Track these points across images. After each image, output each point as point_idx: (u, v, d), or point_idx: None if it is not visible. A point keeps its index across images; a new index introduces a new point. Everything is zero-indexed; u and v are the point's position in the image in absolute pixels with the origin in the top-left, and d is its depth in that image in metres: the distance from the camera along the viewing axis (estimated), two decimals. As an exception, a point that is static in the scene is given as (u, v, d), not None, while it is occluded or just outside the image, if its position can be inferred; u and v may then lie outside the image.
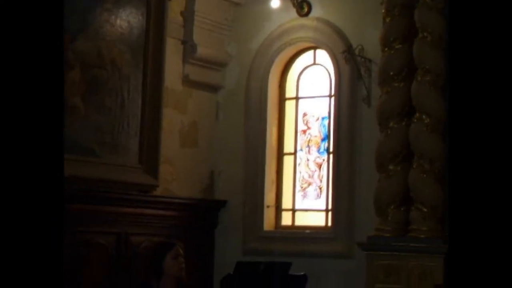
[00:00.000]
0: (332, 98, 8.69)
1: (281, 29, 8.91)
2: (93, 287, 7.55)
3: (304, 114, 9.02)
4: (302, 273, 6.28)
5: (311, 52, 9.00)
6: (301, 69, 9.06)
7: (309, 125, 8.99)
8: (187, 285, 6.32)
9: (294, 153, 8.98)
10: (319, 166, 8.89)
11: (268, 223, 8.89)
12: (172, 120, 8.60)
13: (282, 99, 9.07)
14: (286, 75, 9.07)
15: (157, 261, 6.14)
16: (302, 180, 8.94)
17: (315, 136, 8.94)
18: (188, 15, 8.76)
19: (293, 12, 8.69)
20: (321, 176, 8.84)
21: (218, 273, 8.15)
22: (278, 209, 8.96)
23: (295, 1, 8.59)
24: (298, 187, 8.95)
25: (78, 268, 7.46)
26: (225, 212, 9.00)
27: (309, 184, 8.91)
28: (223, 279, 5.82)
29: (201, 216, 8.82)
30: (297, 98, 9.05)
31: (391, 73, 7.57)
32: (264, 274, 6.11)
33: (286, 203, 8.95)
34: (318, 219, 8.78)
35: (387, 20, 7.64)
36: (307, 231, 8.69)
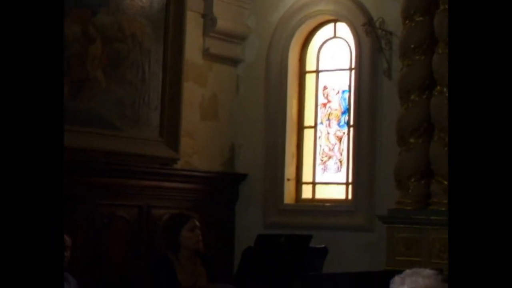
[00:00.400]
0: (353, 71, 8.67)
1: (301, 2, 8.87)
2: (115, 260, 7.60)
3: (324, 88, 9.00)
4: (322, 246, 6.30)
5: (331, 25, 8.96)
6: (322, 42, 9.03)
7: (330, 98, 8.97)
8: (204, 257, 6.34)
9: (315, 127, 8.97)
10: (340, 139, 8.88)
11: (288, 196, 8.90)
12: (192, 94, 8.61)
13: (302, 73, 9.05)
14: (306, 48, 9.04)
15: (173, 234, 6.13)
16: (322, 154, 8.94)
17: (336, 110, 8.93)
18: (208, -12, 8.75)
19: (313, -15, 8.65)
20: (341, 149, 8.84)
21: (239, 246, 8.19)
22: (299, 183, 8.98)
23: (315, -26, 8.55)
24: (318, 161, 8.95)
25: (100, 241, 7.51)
26: (245, 185, 9.03)
27: (329, 158, 8.91)
28: (244, 252, 5.84)
29: (221, 190, 8.85)
30: (317, 72, 9.03)
31: (412, 46, 7.52)
32: (285, 247, 6.14)
33: (307, 176, 8.96)
34: (339, 192, 8.79)
35: (408, -8, 7.59)
36: (327, 204, 8.71)
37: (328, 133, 8.94)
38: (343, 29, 8.80)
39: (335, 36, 8.96)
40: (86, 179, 7.40)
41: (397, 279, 2.87)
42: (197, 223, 6.18)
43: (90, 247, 7.43)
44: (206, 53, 8.80)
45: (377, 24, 8.21)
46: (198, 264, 6.18)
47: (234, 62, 9.13)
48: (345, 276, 6.18)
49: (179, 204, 8.31)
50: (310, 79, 9.04)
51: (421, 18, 7.52)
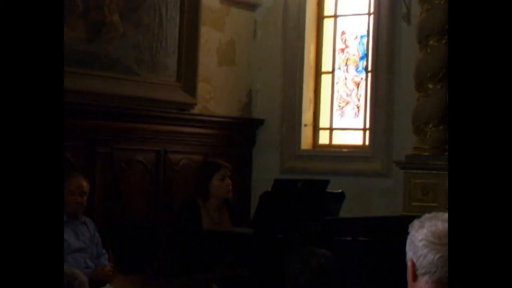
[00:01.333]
0: (371, 16, 8.59)
1: None
2: (133, 204, 7.66)
3: (343, 33, 8.93)
4: (339, 191, 6.32)
5: (350, -31, 8.87)
6: (340, -14, 8.94)
7: (348, 43, 8.91)
8: (231, 205, 6.39)
9: (332, 72, 8.93)
10: (357, 85, 8.84)
11: (305, 142, 8.91)
12: (209, 39, 8.57)
13: (320, 17, 8.97)
14: (325, -8, 8.96)
15: (203, 181, 6.18)
16: (340, 99, 8.92)
17: (354, 55, 8.87)
18: None
19: None
20: (359, 95, 8.80)
21: (256, 191, 8.22)
22: (316, 128, 8.97)
23: None
24: (335, 106, 8.93)
25: (118, 185, 7.56)
26: (262, 130, 9.03)
27: (347, 103, 8.88)
28: (261, 196, 5.87)
29: (238, 135, 8.87)
30: (335, 16, 8.95)
31: (432, -10, 7.44)
32: (302, 191, 6.16)
33: (324, 122, 8.95)
34: (356, 138, 8.78)
35: None
36: (345, 150, 8.70)
37: (346, 78, 8.90)
38: (362, -27, 8.71)
39: (353, -20, 8.87)
40: (104, 123, 7.42)
41: (416, 223, 2.85)
42: (229, 172, 6.22)
43: (108, 191, 7.48)
44: (224, -3, 8.74)
45: (397, -32, 8.11)
46: (224, 211, 6.25)
47: (251, 6, 9.06)
48: (362, 220, 6.21)
49: (196, 149, 8.34)
50: (328, 24, 8.97)
51: (441, -38, 7.41)
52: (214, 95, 8.67)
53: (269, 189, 5.93)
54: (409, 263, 2.84)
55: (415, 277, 2.81)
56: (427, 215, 2.85)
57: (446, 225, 2.78)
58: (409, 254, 2.82)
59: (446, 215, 2.83)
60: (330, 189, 6.34)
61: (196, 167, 8.07)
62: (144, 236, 3.81)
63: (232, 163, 6.60)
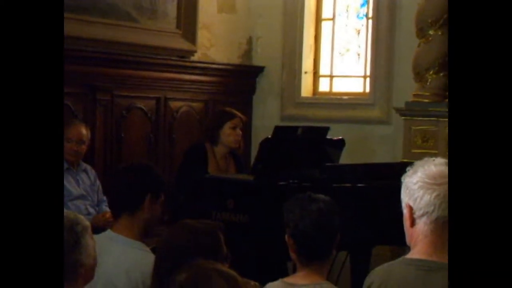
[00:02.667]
0: (372, -38, 8.51)
1: None
2: (134, 150, 7.68)
3: (344, -21, 8.86)
4: (339, 138, 6.32)
5: None
6: None
7: (348, -11, 8.84)
8: (237, 155, 6.43)
9: (333, 19, 8.87)
10: (358, 32, 8.80)
11: (305, 89, 8.89)
12: (209, -15, 8.51)
13: (321, -37, 8.90)
14: None
15: (215, 127, 6.27)
16: (341, 46, 8.87)
17: (354, 1, 8.81)
18: None
19: None
20: (359, 41, 8.76)
21: (256, 138, 8.24)
22: (316, 75, 8.95)
23: None
24: (336, 53, 8.89)
25: (119, 131, 7.57)
26: (263, 77, 9.01)
27: (347, 50, 8.85)
28: (262, 143, 5.89)
29: (239, 82, 8.85)
30: (336, -38, 8.87)
31: None
32: (302, 138, 6.18)
33: (324, 69, 8.92)
34: (356, 85, 8.77)
35: None
36: (345, 97, 8.69)
37: (346, 25, 8.84)
38: None
39: None
40: (103, 70, 7.40)
41: (409, 170, 2.87)
42: (241, 123, 6.29)
43: (109, 138, 7.49)
44: None
45: None
46: (231, 160, 6.32)
47: (252, -48, 8.97)
48: (362, 167, 6.23)
49: (196, 96, 8.34)
50: (329, -30, 8.89)
51: None
52: (214, 42, 8.63)
53: (270, 136, 5.95)
54: (405, 210, 2.86)
55: (412, 222, 2.84)
56: (419, 161, 2.87)
57: (440, 167, 2.80)
58: (405, 200, 2.85)
59: (438, 159, 2.84)
60: (330, 136, 6.35)
61: (199, 114, 8.09)
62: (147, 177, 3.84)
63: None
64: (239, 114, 6.39)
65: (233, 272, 2.52)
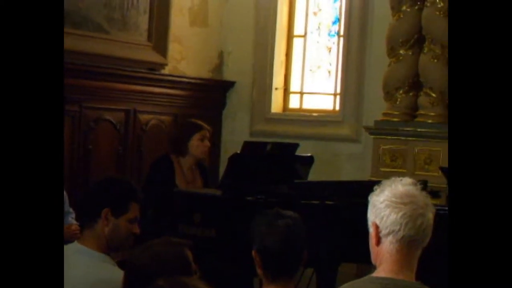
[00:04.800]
0: (345, -20, 8.55)
1: None
2: (102, 162, 7.63)
3: (316, -4, 8.89)
4: (308, 155, 6.33)
5: None
6: (313, -51, 8.88)
7: (320, 7, 8.87)
8: (203, 166, 6.41)
9: (304, 36, 8.90)
10: (329, 49, 8.83)
11: (276, 105, 8.90)
12: (182, -2, 8.50)
13: (293, -20, 8.93)
14: (298, -45, 8.90)
15: (183, 139, 6.26)
16: (312, 63, 8.90)
17: (326, 19, 8.84)
18: None
19: None
20: (330, 59, 8.79)
21: (225, 153, 8.23)
22: (287, 92, 8.96)
23: None
24: (307, 70, 8.91)
25: (87, 144, 7.52)
26: (233, 92, 9.01)
27: (318, 67, 8.87)
28: (230, 158, 5.88)
29: (209, 96, 8.84)
30: (309, -21, 8.90)
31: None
32: (271, 154, 6.17)
33: (295, 85, 8.94)
34: (326, 103, 8.79)
35: None
36: (315, 114, 8.71)
37: (318, 42, 8.87)
38: None
39: None
40: (72, 81, 7.33)
41: (376, 189, 2.87)
42: (208, 135, 6.29)
43: (76, 149, 7.43)
44: (196, -43, 8.65)
45: None
46: (197, 172, 6.30)
47: (224, -33, 8.98)
48: (330, 184, 6.23)
49: (166, 110, 8.30)
50: (301, -14, 8.92)
51: None
52: (185, 56, 8.62)
53: (239, 151, 5.93)
54: (371, 228, 2.86)
55: (378, 241, 2.83)
56: (386, 181, 2.88)
57: (406, 187, 2.81)
58: (371, 218, 2.84)
59: (405, 179, 2.85)
60: (299, 152, 6.36)
61: (168, 128, 8.06)
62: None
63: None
64: (206, 125, 6.39)
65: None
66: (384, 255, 2.81)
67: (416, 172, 7.13)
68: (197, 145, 6.25)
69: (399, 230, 2.77)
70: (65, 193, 6.29)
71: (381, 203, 2.79)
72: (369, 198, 2.86)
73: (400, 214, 2.76)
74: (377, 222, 2.80)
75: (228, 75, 9.03)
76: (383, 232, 2.80)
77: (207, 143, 6.30)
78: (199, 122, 6.45)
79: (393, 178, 2.87)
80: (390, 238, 2.79)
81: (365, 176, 7.60)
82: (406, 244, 2.77)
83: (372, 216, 2.83)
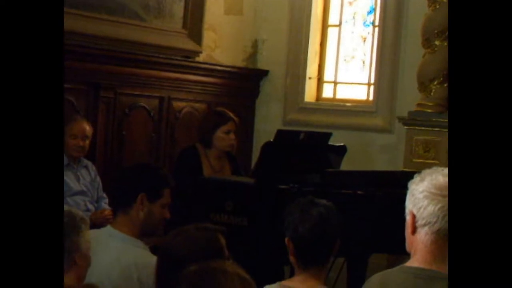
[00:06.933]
0: (381, -30, 8.51)
1: None
2: (135, 149, 7.67)
3: (351, -15, 8.86)
4: (341, 144, 6.32)
5: None
6: None
7: (356, -4, 8.84)
8: (231, 155, 6.37)
9: (339, 25, 8.87)
10: (364, 39, 8.80)
11: (309, 94, 8.89)
12: (217, -13, 8.51)
13: (329, -31, 8.90)
14: None
15: (208, 131, 6.16)
16: (346, 53, 8.87)
17: (361, 9, 8.81)
18: None
19: None
20: (365, 49, 8.76)
21: (258, 141, 8.24)
22: (320, 81, 8.94)
23: None
24: (341, 60, 8.89)
25: (121, 130, 7.56)
26: (267, 81, 9.01)
27: (353, 57, 8.84)
28: (263, 146, 5.87)
29: (242, 85, 8.85)
30: (345, -31, 8.87)
31: None
32: (304, 143, 6.16)
33: (329, 75, 8.92)
34: (360, 93, 8.77)
35: None
36: (348, 104, 8.69)
37: (352, 32, 8.84)
38: None
39: None
40: (108, 68, 7.39)
41: (416, 177, 2.86)
42: (234, 127, 6.17)
43: (111, 135, 7.49)
44: None
45: None
46: (225, 160, 6.25)
47: (261, -44, 8.97)
48: (362, 174, 6.22)
49: (200, 97, 8.33)
50: (337, -24, 8.89)
51: None
52: (219, 44, 8.63)
53: (272, 140, 5.93)
54: (408, 216, 2.85)
55: (414, 230, 2.82)
56: (427, 170, 2.86)
57: (447, 178, 2.78)
58: (409, 207, 2.83)
59: (446, 170, 2.83)
60: (332, 142, 6.34)
61: (201, 115, 8.07)
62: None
63: (237, 115, 6.53)
64: (232, 116, 6.22)
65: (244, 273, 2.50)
66: (419, 244, 2.80)
67: (449, 164, 7.08)
68: (222, 138, 6.09)
69: (435, 222, 2.75)
70: (98, 178, 6.37)
71: (420, 193, 2.78)
72: (408, 185, 2.85)
73: (438, 206, 2.74)
74: (414, 211, 2.79)
75: (262, 64, 9.04)
76: (420, 222, 2.78)
77: (232, 136, 6.13)
78: (225, 112, 6.29)
79: (434, 168, 2.85)
80: (426, 229, 2.77)
81: (397, 167, 7.58)
82: (442, 236, 2.75)
83: (410, 204, 2.82)
